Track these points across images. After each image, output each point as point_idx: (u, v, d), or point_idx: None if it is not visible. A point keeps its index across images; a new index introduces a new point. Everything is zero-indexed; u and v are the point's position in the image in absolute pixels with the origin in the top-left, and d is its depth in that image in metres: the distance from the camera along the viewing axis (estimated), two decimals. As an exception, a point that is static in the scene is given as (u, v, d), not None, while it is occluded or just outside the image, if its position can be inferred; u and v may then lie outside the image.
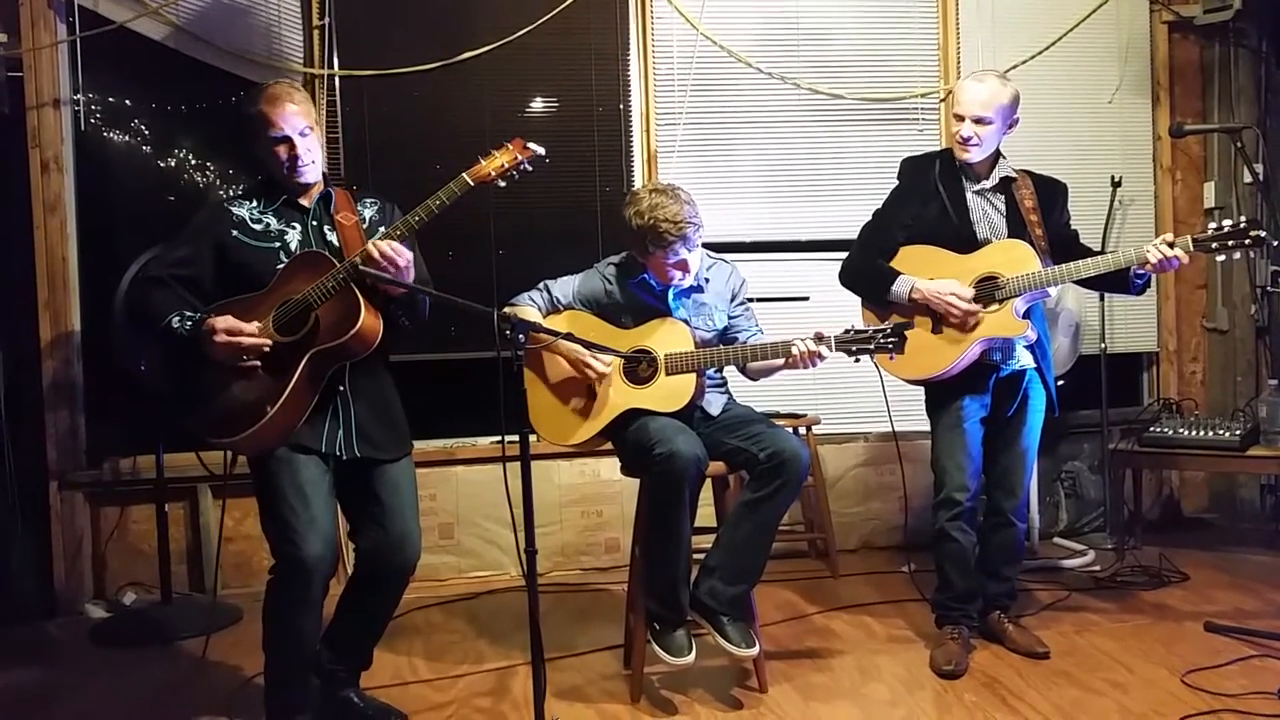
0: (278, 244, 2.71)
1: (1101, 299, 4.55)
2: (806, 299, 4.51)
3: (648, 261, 3.05)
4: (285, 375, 2.60)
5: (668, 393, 3.02)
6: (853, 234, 3.40)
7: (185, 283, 2.66)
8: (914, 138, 4.60)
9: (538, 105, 4.46)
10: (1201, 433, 4.27)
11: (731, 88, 4.55)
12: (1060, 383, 4.15)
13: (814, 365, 2.95)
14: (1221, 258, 3.06)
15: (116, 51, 4.10)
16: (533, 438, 2.74)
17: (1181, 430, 4.33)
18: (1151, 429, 4.42)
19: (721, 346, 3.08)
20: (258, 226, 2.72)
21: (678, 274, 3.04)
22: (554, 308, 3.18)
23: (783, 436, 2.97)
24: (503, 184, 2.75)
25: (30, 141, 4.01)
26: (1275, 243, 3.45)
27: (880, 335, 2.89)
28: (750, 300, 3.27)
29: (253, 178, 4.35)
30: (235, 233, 2.69)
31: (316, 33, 4.23)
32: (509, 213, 4.36)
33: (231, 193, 2.82)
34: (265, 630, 2.69)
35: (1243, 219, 3.00)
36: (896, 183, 3.37)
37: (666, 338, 3.05)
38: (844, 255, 3.38)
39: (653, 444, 2.87)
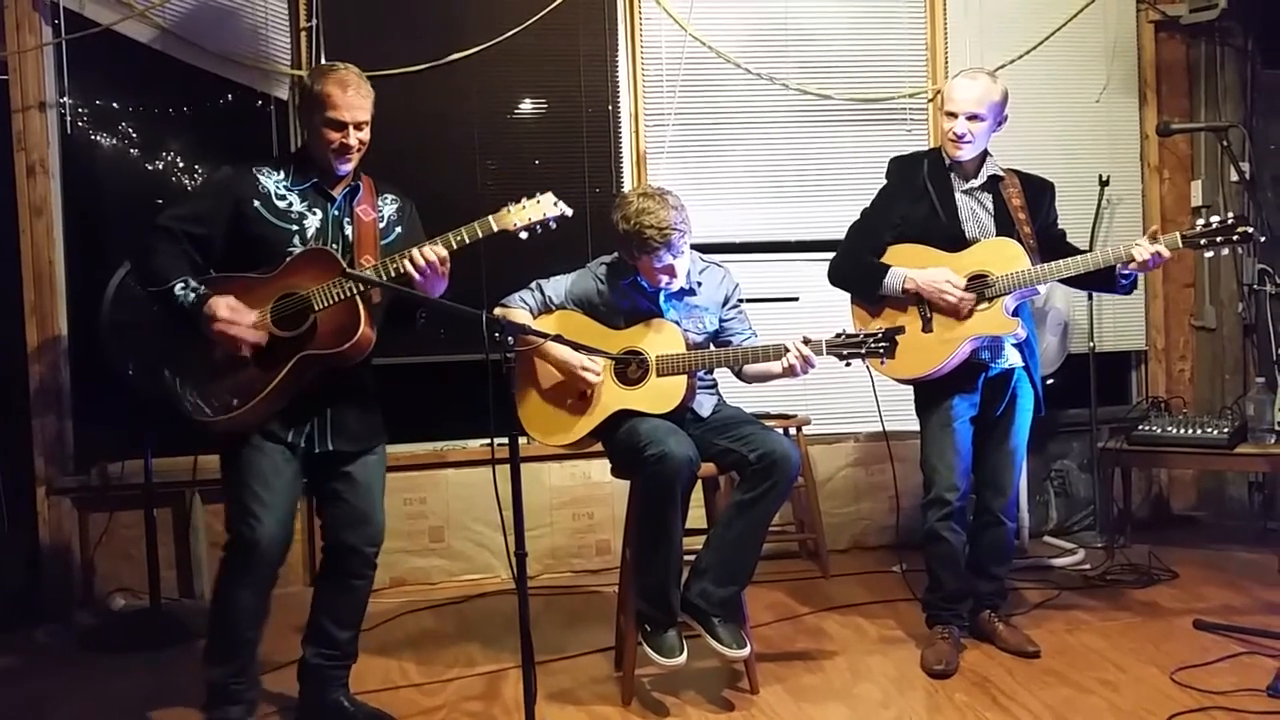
0: (296, 227, 2.70)
1: (1090, 298, 4.56)
2: (796, 299, 4.51)
3: (637, 264, 3.05)
4: (273, 369, 2.61)
5: (659, 394, 3.01)
6: (842, 234, 3.40)
7: (195, 241, 2.66)
8: (902, 137, 4.60)
9: (526, 106, 4.45)
10: (1190, 431, 4.28)
11: (720, 88, 4.54)
12: (1049, 381, 4.18)
13: (808, 370, 2.94)
14: (1210, 254, 3.08)
15: (102, 54, 4.08)
16: (523, 439, 2.74)
17: (1170, 428, 4.34)
18: (1140, 427, 4.43)
19: (713, 349, 3.07)
20: (280, 203, 2.71)
21: (665, 278, 3.03)
22: (546, 307, 3.18)
23: (773, 438, 2.97)
24: (524, 236, 2.76)
25: (16, 145, 3.99)
26: (1262, 240, 3.48)
27: (871, 340, 2.89)
28: (741, 301, 3.27)
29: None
30: (257, 203, 2.69)
31: (304, 35, 4.21)
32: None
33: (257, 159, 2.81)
34: (211, 610, 2.73)
35: (1230, 216, 3.02)
36: (885, 182, 3.38)
37: (657, 339, 3.05)
38: (833, 255, 3.38)
39: (644, 445, 2.86)
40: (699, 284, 3.15)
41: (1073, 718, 2.81)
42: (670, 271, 3.02)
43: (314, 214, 2.74)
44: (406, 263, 2.64)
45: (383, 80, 4.22)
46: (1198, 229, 3.02)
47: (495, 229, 2.73)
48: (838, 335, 2.93)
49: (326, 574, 2.86)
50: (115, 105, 4.21)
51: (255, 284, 2.65)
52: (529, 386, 3.14)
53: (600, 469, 4.15)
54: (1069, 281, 3.21)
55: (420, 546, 4.34)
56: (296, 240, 2.69)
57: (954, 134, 3.17)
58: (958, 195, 3.24)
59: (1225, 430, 4.21)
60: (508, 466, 2.46)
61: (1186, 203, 4.92)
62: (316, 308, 2.62)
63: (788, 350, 2.92)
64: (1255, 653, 3.14)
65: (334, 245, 2.72)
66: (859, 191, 3.71)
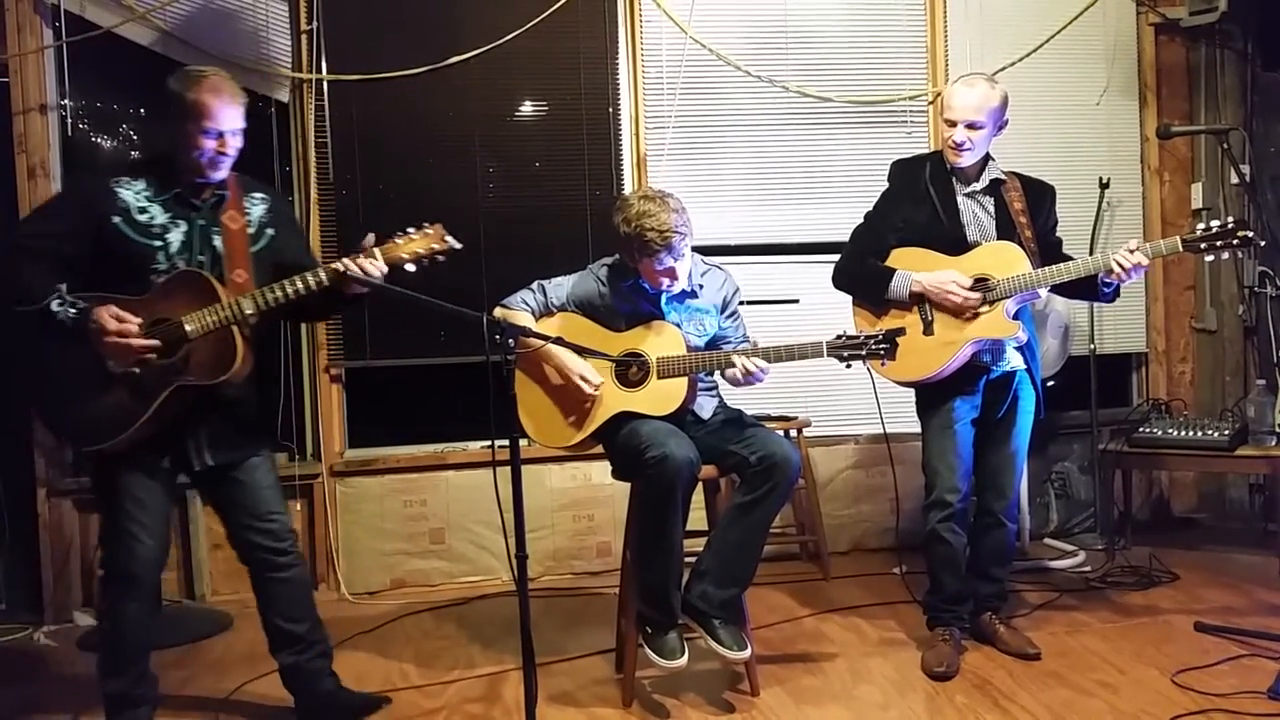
0: (159, 242, 2.62)
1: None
2: (797, 301, 4.51)
3: (638, 266, 3.04)
4: (146, 399, 2.57)
5: (660, 396, 3.01)
6: (843, 236, 3.40)
7: (55, 258, 2.57)
8: (902, 140, 4.60)
9: (527, 109, 4.45)
10: (1190, 433, 4.28)
11: (720, 91, 4.55)
12: (1050, 384, 4.17)
13: (751, 382, 2.96)
14: (1210, 258, 3.08)
15: (103, 57, 4.08)
16: (524, 441, 2.74)
17: (1171, 430, 4.34)
18: (1141, 429, 4.43)
19: (712, 351, 3.07)
20: (141, 217, 2.62)
21: (666, 280, 3.03)
22: (547, 309, 3.17)
23: (773, 440, 2.97)
24: (412, 269, 2.70)
25: (16, 147, 3.99)
26: (1263, 243, 3.47)
27: (872, 342, 2.89)
28: (742, 303, 3.26)
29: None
30: (116, 219, 2.60)
31: (304, 37, 4.22)
32: (498, 217, 4.36)
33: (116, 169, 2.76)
34: (100, 629, 2.81)
35: (1230, 219, 3.01)
36: (886, 185, 3.38)
37: (658, 341, 3.05)
38: (834, 258, 3.38)
39: (645, 447, 2.86)
40: (700, 286, 3.14)
41: (1073, 720, 2.81)
42: (671, 274, 3.01)
43: (178, 226, 2.65)
44: (308, 279, 2.61)
45: (383, 83, 4.25)
46: (1198, 233, 3.02)
47: (380, 260, 2.68)
48: (838, 337, 2.93)
49: (255, 579, 2.86)
50: (116, 108, 4.22)
51: (125, 307, 2.56)
52: (530, 390, 3.14)
53: (601, 471, 4.15)
54: (1058, 290, 3.21)
55: (421, 548, 4.34)
56: (160, 256, 2.61)
57: (953, 142, 3.16)
58: (959, 198, 3.24)
59: (1226, 432, 4.21)
60: (508, 468, 2.47)
61: (1187, 205, 4.92)
62: (191, 336, 2.57)
63: (732, 365, 2.94)
64: (1256, 655, 3.14)
65: (201, 257, 2.65)
66: (859, 194, 3.72)
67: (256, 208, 2.78)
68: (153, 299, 2.58)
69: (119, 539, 2.64)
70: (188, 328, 2.56)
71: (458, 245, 2.73)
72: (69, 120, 4.10)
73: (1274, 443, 4.21)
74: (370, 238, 2.68)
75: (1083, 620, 3.59)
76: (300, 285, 2.62)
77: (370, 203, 4.25)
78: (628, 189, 4.40)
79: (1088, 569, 4.18)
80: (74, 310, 2.51)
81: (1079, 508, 4.89)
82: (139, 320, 2.53)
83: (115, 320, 2.50)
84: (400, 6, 4.30)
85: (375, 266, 2.64)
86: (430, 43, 4.29)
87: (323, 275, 2.63)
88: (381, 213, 4.24)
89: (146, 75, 4.16)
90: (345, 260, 2.63)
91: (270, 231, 2.77)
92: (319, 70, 4.21)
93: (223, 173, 2.68)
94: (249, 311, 2.59)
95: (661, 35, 4.48)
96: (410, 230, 2.71)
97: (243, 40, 4.18)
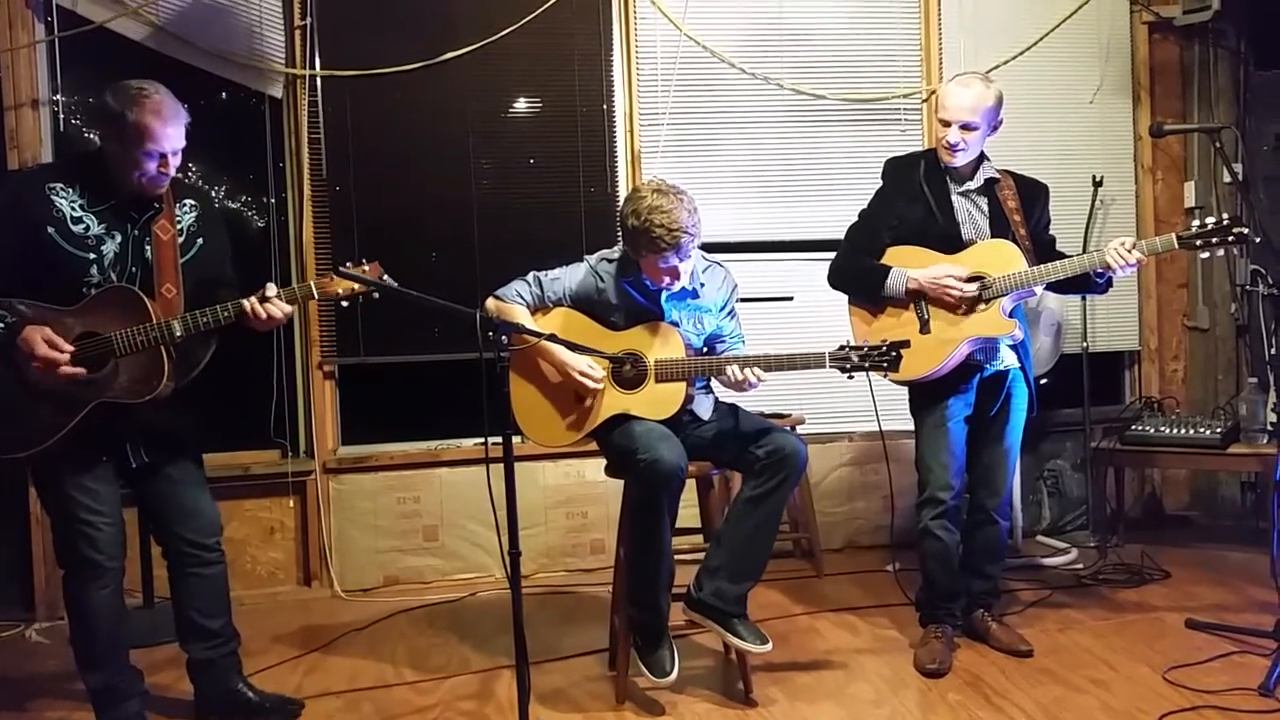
0: (93, 255, 2.59)
1: (1083, 298, 4.57)
2: (791, 299, 4.51)
3: (640, 261, 2.99)
4: (69, 412, 2.56)
5: (658, 399, 2.99)
6: (837, 234, 3.40)
7: None
8: (897, 138, 4.60)
9: (521, 106, 4.44)
10: (1183, 431, 4.30)
11: (715, 88, 4.54)
12: (1043, 381, 4.18)
13: (750, 388, 2.95)
14: (1204, 255, 3.09)
15: (95, 52, 4.06)
16: (517, 438, 2.73)
17: (1163, 428, 4.36)
18: (1133, 427, 4.45)
19: (712, 356, 3.05)
20: (76, 228, 2.59)
21: (668, 279, 2.98)
22: (543, 303, 3.12)
23: (780, 433, 2.98)
24: (345, 303, 2.75)
25: (8, 142, 3.97)
26: (1256, 240, 3.49)
27: (876, 354, 2.87)
28: (737, 303, 3.25)
29: (233, 176, 4.34)
30: (51, 229, 2.56)
31: (298, 33, 4.20)
32: (492, 213, 4.35)
33: (45, 169, 2.77)
34: (71, 623, 2.75)
35: (1225, 216, 3.02)
36: (880, 183, 3.38)
37: (658, 343, 3.01)
38: (829, 255, 3.38)
39: (636, 449, 2.85)
40: (702, 285, 3.11)
41: (1065, 717, 2.82)
42: (674, 274, 2.96)
43: (112, 238, 2.62)
44: (241, 305, 2.62)
45: (377, 79, 4.23)
46: (1193, 230, 3.03)
47: (316, 296, 2.73)
48: (841, 347, 2.91)
49: (175, 573, 2.87)
50: (108, 103, 4.19)
51: (54, 317, 2.54)
52: (526, 388, 3.12)
53: (594, 468, 4.14)
54: (1052, 286, 3.22)
55: (414, 545, 4.34)
56: (94, 270, 2.59)
57: (947, 142, 3.16)
58: (954, 197, 3.24)
59: (1218, 430, 4.23)
60: (502, 465, 2.46)
61: (1180, 204, 4.93)
62: (119, 353, 2.57)
63: (729, 372, 2.92)
64: (1247, 652, 3.15)
65: (134, 269, 2.63)
66: (853, 192, 3.71)
67: (187, 216, 2.76)
68: (83, 311, 2.57)
69: (77, 529, 2.63)
70: (116, 344, 2.56)
71: (394, 283, 2.74)
72: (61, 116, 4.08)
73: (1265, 441, 4.23)
74: (271, 287, 2.67)
75: (1075, 617, 3.60)
76: (232, 311, 2.63)
77: (364, 199, 4.24)
78: (621, 186, 4.40)
79: (1080, 566, 4.19)
80: (2, 325, 2.50)
81: (1071, 505, 4.90)
82: (70, 350, 2.52)
83: (45, 345, 2.49)
84: (394, 2, 4.28)
85: (280, 309, 2.66)
86: (424, 38, 4.28)
87: (244, 304, 2.63)
88: (375, 209, 4.23)
89: (139, 71, 4.11)
90: (253, 301, 2.64)
91: (200, 240, 2.76)
92: (313, 66, 4.19)
93: (164, 188, 2.66)
94: (179, 333, 2.59)
95: (656, 32, 4.47)
96: (349, 264, 2.73)
97: (236, 35, 4.16)
